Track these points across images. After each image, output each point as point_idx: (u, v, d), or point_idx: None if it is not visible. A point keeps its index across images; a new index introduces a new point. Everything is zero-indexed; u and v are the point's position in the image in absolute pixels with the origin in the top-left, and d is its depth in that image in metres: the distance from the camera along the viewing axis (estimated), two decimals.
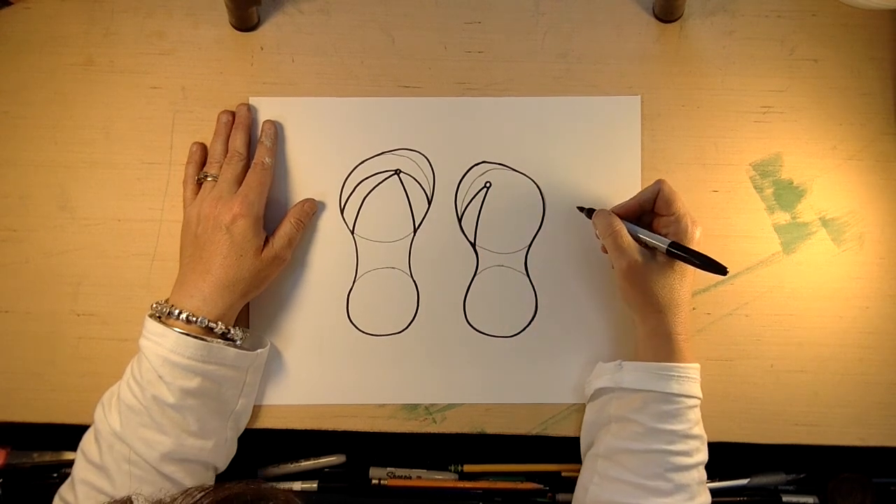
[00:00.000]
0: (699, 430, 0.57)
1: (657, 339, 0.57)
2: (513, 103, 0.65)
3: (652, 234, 0.58)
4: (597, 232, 0.60)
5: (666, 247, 0.56)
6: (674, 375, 0.56)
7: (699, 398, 0.57)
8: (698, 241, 0.58)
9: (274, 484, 0.67)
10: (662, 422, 0.55)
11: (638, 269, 0.57)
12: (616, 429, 0.57)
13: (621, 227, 0.58)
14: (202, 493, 0.41)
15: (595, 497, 0.56)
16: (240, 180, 0.61)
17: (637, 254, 0.57)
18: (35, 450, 0.66)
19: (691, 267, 0.57)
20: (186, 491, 0.42)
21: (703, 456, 0.56)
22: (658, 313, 0.57)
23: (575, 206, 0.64)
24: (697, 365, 0.57)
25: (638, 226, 0.59)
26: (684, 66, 0.65)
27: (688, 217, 0.58)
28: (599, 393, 0.60)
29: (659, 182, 0.59)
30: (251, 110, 0.64)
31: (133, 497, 0.42)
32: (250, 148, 0.63)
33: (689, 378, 0.56)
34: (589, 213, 0.62)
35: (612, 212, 0.60)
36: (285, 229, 0.61)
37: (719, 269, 0.55)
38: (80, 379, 0.63)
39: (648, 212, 0.61)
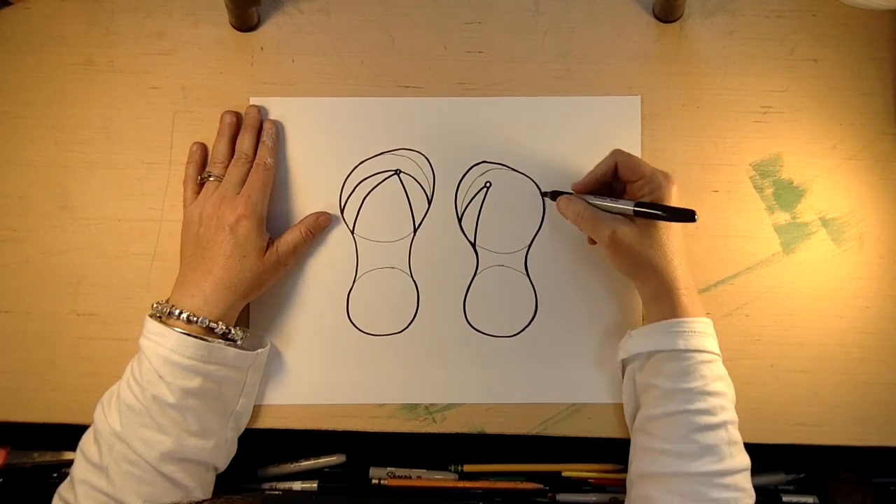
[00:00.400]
0: (719, 386, 0.54)
1: (659, 299, 0.56)
2: (513, 103, 0.65)
3: (616, 201, 0.57)
4: (567, 218, 0.60)
5: (632, 208, 0.55)
6: (677, 331, 0.54)
7: (713, 353, 0.55)
8: (676, 194, 0.56)
9: (274, 484, 0.67)
10: (677, 381, 0.54)
11: (621, 236, 0.56)
12: (644, 398, 0.57)
13: (587, 206, 0.58)
14: None
15: (635, 471, 0.56)
16: (244, 182, 0.61)
17: (615, 222, 0.56)
18: (35, 450, 0.65)
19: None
20: None
21: (729, 415, 0.54)
22: (654, 273, 0.56)
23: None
24: (706, 319, 0.56)
25: (607, 197, 0.58)
26: (684, 66, 0.65)
27: (658, 174, 0.57)
28: (624, 366, 0.60)
29: (615, 152, 0.58)
30: (261, 112, 0.64)
31: None
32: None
33: (696, 332, 0.54)
34: (553, 195, 0.61)
35: (575, 190, 0.60)
36: (293, 236, 0.61)
37: (687, 217, 0.54)
38: (80, 379, 0.63)
39: (618, 182, 0.60)
